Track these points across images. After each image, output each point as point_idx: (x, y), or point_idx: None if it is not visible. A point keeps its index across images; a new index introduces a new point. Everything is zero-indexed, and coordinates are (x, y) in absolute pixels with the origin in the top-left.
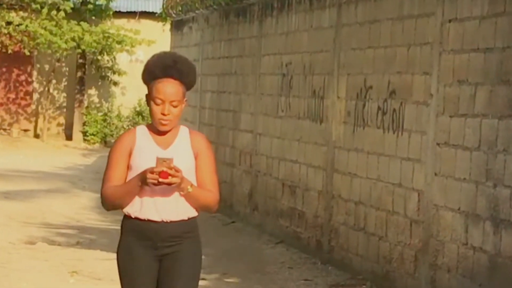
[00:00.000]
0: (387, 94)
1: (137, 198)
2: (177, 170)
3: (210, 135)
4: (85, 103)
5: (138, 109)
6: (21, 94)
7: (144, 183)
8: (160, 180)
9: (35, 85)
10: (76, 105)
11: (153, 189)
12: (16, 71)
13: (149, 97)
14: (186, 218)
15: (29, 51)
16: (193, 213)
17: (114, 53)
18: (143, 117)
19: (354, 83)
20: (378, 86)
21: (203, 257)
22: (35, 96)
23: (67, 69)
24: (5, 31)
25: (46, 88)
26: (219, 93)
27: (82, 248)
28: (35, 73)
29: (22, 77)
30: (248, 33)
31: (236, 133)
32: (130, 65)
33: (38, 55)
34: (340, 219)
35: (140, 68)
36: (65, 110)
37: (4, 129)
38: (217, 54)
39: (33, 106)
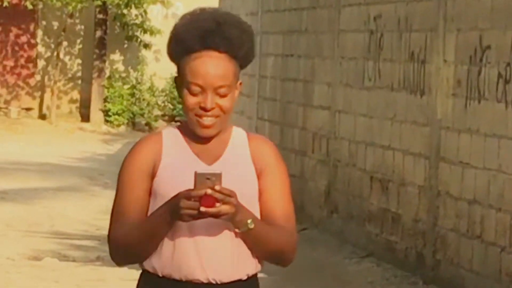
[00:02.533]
0: (510, 57)
1: (166, 243)
2: (229, 193)
3: (273, 113)
4: (107, 72)
5: None
6: (22, 61)
7: (176, 216)
8: (203, 209)
9: (40, 49)
10: (95, 75)
11: (192, 227)
12: (14, 30)
13: (180, 83)
14: (244, 277)
15: (32, 4)
16: (254, 267)
17: (144, 5)
18: None
19: (466, 42)
20: (498, 45)
21: (266, 276)
22: (40, 63)
23: (82, 27)
24: None
25: (55, 53)
26: (285, 57)
27: (104, 265)
28: (40, 33)
29: (23, 39)
30: None
31: (307, 111)
32: (165, 22)
33: (44, 9)
34: (449, 223)
35: None
36: (79, 82)
37: (0, 108)
38: (282, 5)
39: (38, 77)
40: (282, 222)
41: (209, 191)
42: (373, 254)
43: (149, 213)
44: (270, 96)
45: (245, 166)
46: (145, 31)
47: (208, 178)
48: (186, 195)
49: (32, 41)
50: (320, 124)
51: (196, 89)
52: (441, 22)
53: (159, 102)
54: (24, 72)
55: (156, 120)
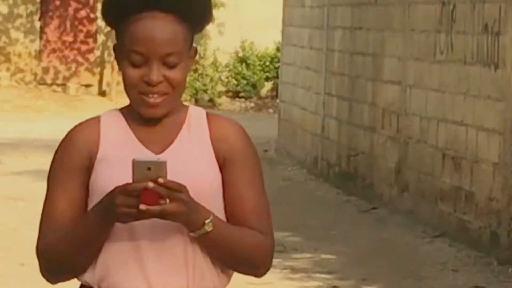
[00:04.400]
0: None
1: (103, 250)
2: (176, 188)
3: (341, 88)
4: None
5: (241, 54)
6: (81, 37)
7: (112, 216)
8: (142, 207)
9: (100, 23)
10: None
11: (133, 230)
12: (74, 4)
13: (120, 53)
14: None
15: None
16: (217, 279)
17: None
18: (247, 65)
19: None
20: None
21: (334, 257)
22: (100, 38)
23: None
24: None
25: None
26: (353, 30)
27: None
28: (99, 6)
29: (82, 13)
30: None
31: (377, 85)
32: None
33: None
34: None
35: None
36: None
37: (58, 85)
38: None
39: (97, 53)
40: (253, 221)
41: (150, 184)
42: (446, 234)
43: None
44: (338, 71)
45: (203, 153)
46: None
47: (149, 168)
48: (122, 190)
49: (92, 15)
50: (390, 100)
51: (137, 58)
52: None
53: (223, 78)
54: (84, 47)
55: (219, 96)
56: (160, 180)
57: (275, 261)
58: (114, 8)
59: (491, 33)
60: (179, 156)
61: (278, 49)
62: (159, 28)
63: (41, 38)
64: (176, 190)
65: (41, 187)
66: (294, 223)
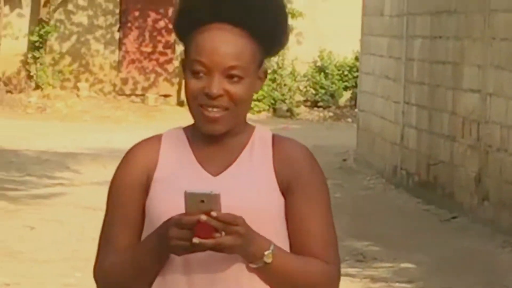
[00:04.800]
0: None
1: (156, 282)
2: (231, 221)
3: (421, 97)
4: None
5: (319, 63)
6: (160, 47)
7: (166, 248)
8: (196, 241)
9: None
10: None
11: (188, 262)
12: (152, 15)
13: (186, 61)
14: None
15: None
16: None
17: None
18: (326, 75)
19: None
20: None
21: (414, 266)
22: (179, 49)
23: None
24: None
25: None
26: (433, 39)
27: None
28: None
29: (161, 23)
30: None
31: (457, 94)
32: (308, 4)
33: None
34: None
35: (322, 7)
36: None
37: (137, 95)
38: None
39: (176, 63)
40: (318, 249)
41: (203, 217)
42: None
43: (142, 238)
44: (418, 80)
45: (263, 176)
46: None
47: (202, 201)
48: (176, 222)
49: (170, 25)
50: (471, 108)
51: (200, 69)
52: None
53: (301, 87)
54: (162, 58)
55: (298, 106)
56: (213, 213)
57: (355, 271)
58: (185, 18)
59: None
60: (237, 178)
61: (356, 58)
62: (224, 39)
63: (120, 49)
64: (231, 223)
65: None
66: (373, 232)
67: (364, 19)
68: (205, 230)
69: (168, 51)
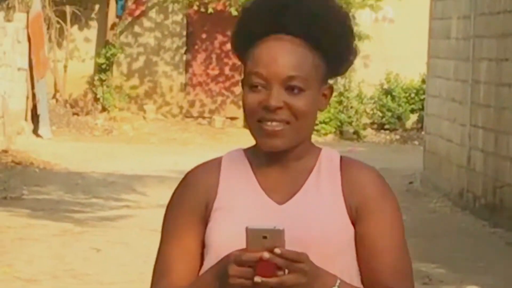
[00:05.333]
0: None
1: None
2: (296, 258)
3: (487, 119)
4: None
5: (386, 86)
6: (227, 70)
7: (225, 286)
8: (258, 279)
9: None
10: None
11: None
12: (219, 37)
13: (244, 77)
14: None
15: (237, 10)
16: None
17: (353, 10)
18: (392, 97)
19: None
20: None
21: None
22: None
23: None
24: None
25: None
26: (500, 62)
27: None
28: None
29: (228, 46)
30: None
31: None
32: (375, 26)
33: None
34: None
35: (389, 30)
36: None
37: (204, 117)
38: (496, 7)
39: None
40: (391, 280)
41: (265, 255)
42: None
43: (201, 272)
44: (484, 102)
45: (332, 204)
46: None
47: (265, 237)
48: (236, 259)
49: None
50: None
51: (258, 81)
52: None
53: (368, 110)
54: (229, 80)
55: (364, 129)
56: (277, 250)
57: None
58: (243, 33)
59: None
60: (305, 207)
61: (423, 81)
62: (282, 49)
63: (187, 71)
64: (296, 261)
65: None
66: (440, 255)
67: (431, 42)
68: (267, 268)
69: (235, 73)
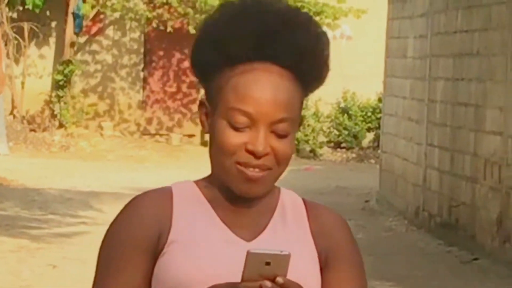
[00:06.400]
0: None
1: None
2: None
3: (443, 138)
4: None
5: (342, 105)
6: (184, 87)
7: None
8: None
9: None
10: None
11: None
12: (177, 55)
13: (212, 110)
14: None
15: (195, 28)
16: None
17: None
18: (349, 116)
19: None
20: None
21: None
22: (203, 89)
23: None
24: (164, 1)
25: None
26: (455, 81)
27: None
28: None
29: (186, 64)
30: None
31: (479, 136)
32: (332, 44)
33: None
34: None
35: (347, 47)
36: None
37: (161, 135)
38: (452, 27)
39: None
40: None
41: (267, 284)
42: None
43: None
44: (440, 121)
45: (304, 248)
46: None
47: (267, 263)
48: None
49: None
50: (492, 150)
51: (242, 120)
52: None
53: (324, 128)
54: (186, 98)
55: (321, 147)
56: (279, 279)
57: None
58: (216, 52)
59: None
60: (275, 246)
61: (380, 100)
62: (273, 84)
63: (144, 88)
64: None
65: None
66: (395, 273)
67: (388, 61)
68: None
69: (193, 91)
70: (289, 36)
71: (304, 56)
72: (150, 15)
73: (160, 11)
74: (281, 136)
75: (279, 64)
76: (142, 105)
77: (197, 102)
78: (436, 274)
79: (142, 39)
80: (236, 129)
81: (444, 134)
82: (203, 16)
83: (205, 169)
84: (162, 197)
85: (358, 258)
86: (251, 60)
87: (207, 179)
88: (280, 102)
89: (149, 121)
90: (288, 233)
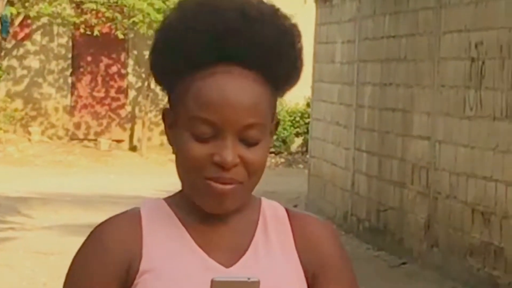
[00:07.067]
0: None
1: None
2: None
3: (371, 143)
4: None
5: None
6: (112, 92)
7: None
8: None
9: (131, 79)
10: None
11: None
12: (105, 60)
13: (175, 120)
14: None
15: (123, 33)
16: None
17: None
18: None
19: None
20: None
21: None
22: (131, 94)
23: None
24: (92, 6)
25: (146, 83)
26: (383, 86)
27: None
28: (130, 62)
29: (114, 69)
30: (422, 3)
31: (407, 141)
32: None
33: (134, 38)
34: None
35: None
36: None
37: (90, 140)
38: (379, 32)
39: (128, 108)
40: None
41: None
42: None
43: None
44: (368, 126)
45: (288, 268)
46: None
47: None
48: None
49: (123, 71)
50: (420, 155)
51: (205, 130)
52: None
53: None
54: (115, 103)
55: None
56: None
57: None
58: (175, 56)
59: None
60: (258, 270)
61: (308, 105)
62: (236, 87)
63: (72, 93)
64: None
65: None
66: None
67: (316, 66)
68: None
69: (121, 96)
70: (252, 32)
71: (270, 54)
72: (77, 20)
73: (87, 16)
74: (251, 144)
75: (243, 65)
76: (70, 110)
77: (125, 108)
78: (365, 279)
79: (70, 44)
80: (200, 140)
81: (372, 139)
82: (131, 21)
83: (134, 173)
84: (130, 221)
85: (348, 275)
86: (212, 63)
87: (178, 195)
88: (246, 106)
89: (77, 126)
90: (272, 253)
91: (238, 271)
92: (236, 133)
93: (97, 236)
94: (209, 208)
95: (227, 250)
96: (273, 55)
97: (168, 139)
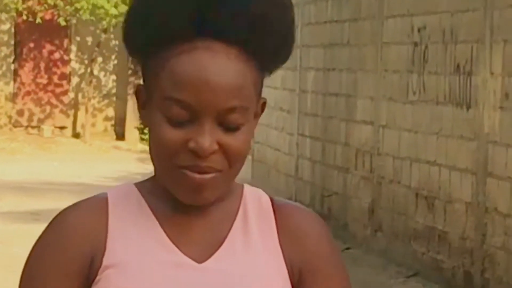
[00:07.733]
0: None
1: None
2: None
3: (314, 129)
4: None
5: None
6: (55, 79)
7: None
8: None
9: (74, 65)
10: (130, 91)
11: None
12: (47, 46)
13: (149, 99)
14: None
15: (65, 20)
16: None
17: None
18: None
19: None
20: None
21: None
22: (74, 80)
23: (117, 42)
24: None
25: (89, 70)
26: (326, 71)
27: None
28: (73, 48)
29: (56, 55)
30: None
31: (350, 126)
32: None
33: (77, 24)
34: (497, 241)
35: None
36: (114, 99)
37: (33, 127)
38: (322, 17)
39: (71, 95)
40: None
41: None
42: (419, 274)
43: None
44: (311, 112)
45: (269, 263)
46: None
47: None
48: None
49: (66, 57)
50: (363, 140)
51: (180, 112)
52: (487, 33)
53: None
54: (58, 89)
55: None
56: None
57: None
58: (148, 29)
59: (463, 74)
60: (233, 265)
61: None
62: (216, 66)
63: (15, 80)
64: None
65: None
66: None
67: None
68: None
69: (64, 82)
70: (235, 3)
71: (255, 28)
72: (20, 7)
73: (30, 3)
74: (231, 129)
75: (225, 40)
76: (13, 97)
77: (68, 94)
78: None
79: (13, 31)
80: (175, 124)
81: (316, 124)
82: (73, 7)
83: (77, 160)
84: (94, 209)
85: (338, 271)
86: (190, 37)
87: (151, 181)
88: (226, 87)
89: (20, 113)
90: (251, 247)
91: (210, 266)
92: (215, 117)
93: (57, 225)
94: (185, 199)
95: (201, 243)
96: (259, 29)
97: (142, 120)
